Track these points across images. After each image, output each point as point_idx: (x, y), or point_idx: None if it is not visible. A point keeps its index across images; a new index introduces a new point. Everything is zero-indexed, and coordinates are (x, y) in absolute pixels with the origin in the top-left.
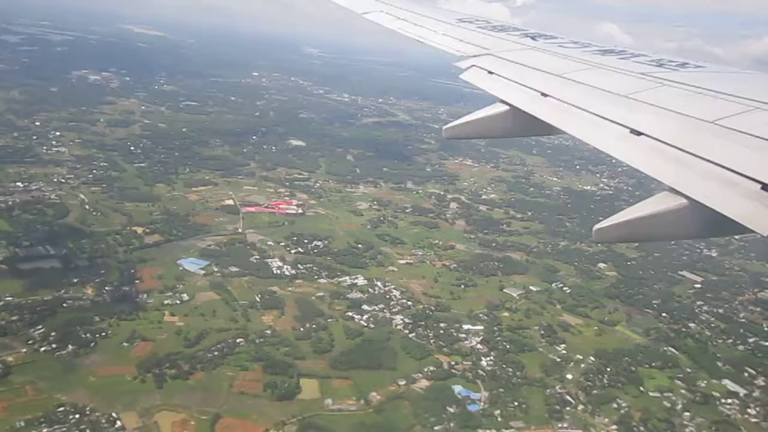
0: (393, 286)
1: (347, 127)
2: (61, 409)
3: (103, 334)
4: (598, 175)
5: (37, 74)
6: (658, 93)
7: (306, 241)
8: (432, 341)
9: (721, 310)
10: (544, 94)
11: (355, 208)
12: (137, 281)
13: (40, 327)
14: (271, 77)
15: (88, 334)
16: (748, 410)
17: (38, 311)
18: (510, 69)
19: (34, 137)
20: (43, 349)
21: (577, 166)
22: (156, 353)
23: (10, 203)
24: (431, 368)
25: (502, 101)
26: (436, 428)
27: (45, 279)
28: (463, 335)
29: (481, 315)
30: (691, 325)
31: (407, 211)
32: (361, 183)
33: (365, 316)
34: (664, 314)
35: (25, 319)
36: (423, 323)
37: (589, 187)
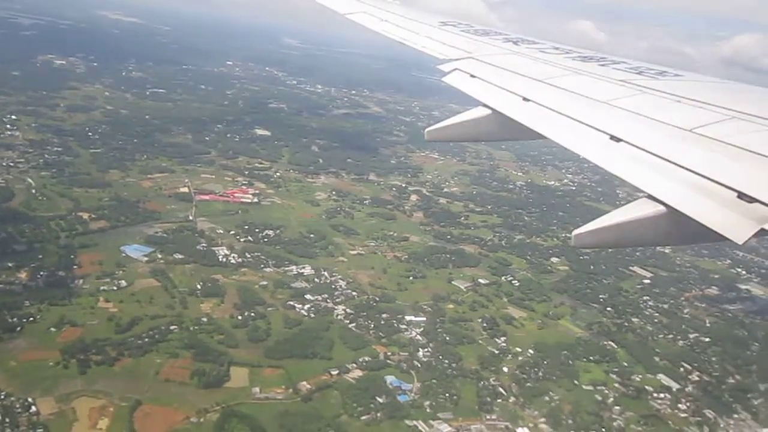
0: (340, 277)
1: (316, 118)
2: None
3: (31, 318)
4: (563, 171)
5: (1, 59)
6: (637, 100)
7: (257, 230)
8: (372, 332)
9: (666, 306)
10: (525, 99)
11: (313, 198)
12: (75, 267)
13: None
14: (245, 67)
15: (15, 319)
16: (679, 405)
17: None
18: (492, 73)
19: None
20: None
21: (544, 162)
22: (83, 339)
23: None
24: (366, 358)
25: (485, 105)
26: (362, 418)
27: None
28: (404, 326)
29: (425, 307)
30: (635, 319)
31: (366, 202)
32: (323, 173)
33: (307, 306)
34: (609, 309)
35: None
36: (365, 314)
37: (552, 183)
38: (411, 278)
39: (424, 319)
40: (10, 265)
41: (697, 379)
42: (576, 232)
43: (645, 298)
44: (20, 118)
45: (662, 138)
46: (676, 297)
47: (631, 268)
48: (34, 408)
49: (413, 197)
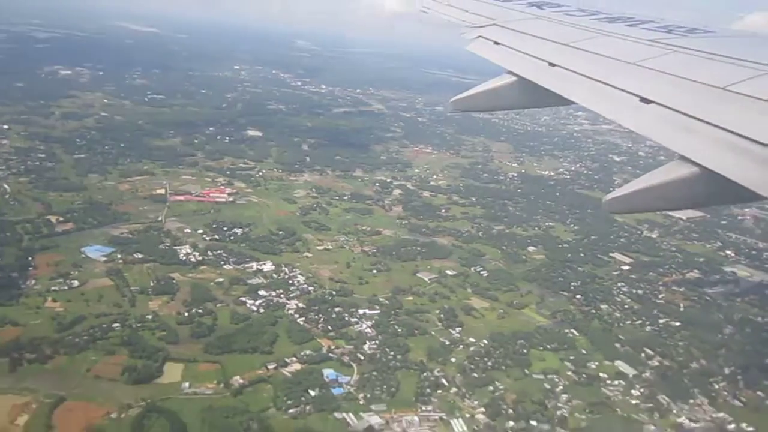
0: (299, 272)
1: (313, 118)
2: None
3: None
4: (561, 160)
5: (8, 70)
6: (667, 60)
7: (225, 228)
8: (320, 326)
9: (640, 291)
10: (551, 64)
11: (291, 195)
12: (31, 268)
13: None
14: (252, 70)
15: None
16: (632, 391)
17: None
18: (516, 39)
19: None
20: None
21: (542, 152)
22: (20, 338)
23: None
24: (308, 352)
25: (509, 72)
26: (289, 411)
27: None
28: (355, 320)
29: (382, 300)
30: (603, 306)
31: (345, 198)
32: (307, 171)
33: (258, 302)
34: (578, 296)
35: None
36: (316, 308)
37: (546, 172)
38: (374, 272)
39: (378, 311)
40: None
41: (656, 364)
42: (607, 197)
43: (620, 284)
44: (11, 126)
45: (694, 97)
46: (654, 282)
47: (611, 254)
48: None
49: (396, 192)
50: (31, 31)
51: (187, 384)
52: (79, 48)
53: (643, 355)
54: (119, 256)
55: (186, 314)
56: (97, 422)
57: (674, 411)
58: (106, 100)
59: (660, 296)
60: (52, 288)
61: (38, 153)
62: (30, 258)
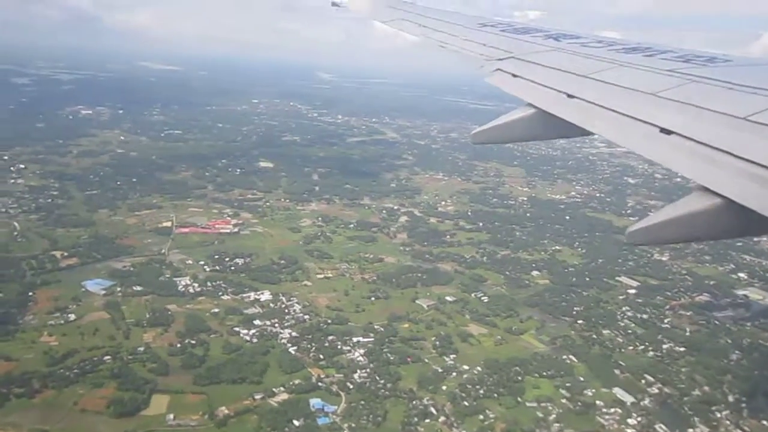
0: (296, 301)
1: (327, 148)
2: None
3: None
4: (574, 183)
5: (30, 112)
6: (686, 90)
7: (227, 259)
8: (311, 354)
9: (645, 316)
10: (570, 95)
11: (296, 225)
12: (30, 303)
13: None
14: (270, 103)
15: None
16: (628, 420)
17: None
18: (534, 71)
19: None
20: None
21: (555, 176)
22: (11, 373)
23: None
24: (297, 381)
25: (529, 104)
26: None
27: None
28: (348, 348)
29: (377, 327)
30: (605, 332)
31: (351, 226)
32: (315, 200)
33: (252, 331)
34: (580, 321)
35: None
36: (309, 336)
37: (558, 196)
38: (372, 299)
39: (372, 339)
40: None
41: (656, 392)
42: (630, 229)
43: (625, 308)
44: (27, 166)
45: (715, 127)
46: (660, 306)
47: (617, 278)
48: None
49: (402, 219)
50: (57, 73)
51: (171, 416)
52: (101, 88)
53: (643, 381)
54: (119, 289)
55: (178, 345)
56: None
57: None
58: (122, 137)
59: (666, 321)
60: (49, 322)
61: (51, 191)
62: (31, 293)
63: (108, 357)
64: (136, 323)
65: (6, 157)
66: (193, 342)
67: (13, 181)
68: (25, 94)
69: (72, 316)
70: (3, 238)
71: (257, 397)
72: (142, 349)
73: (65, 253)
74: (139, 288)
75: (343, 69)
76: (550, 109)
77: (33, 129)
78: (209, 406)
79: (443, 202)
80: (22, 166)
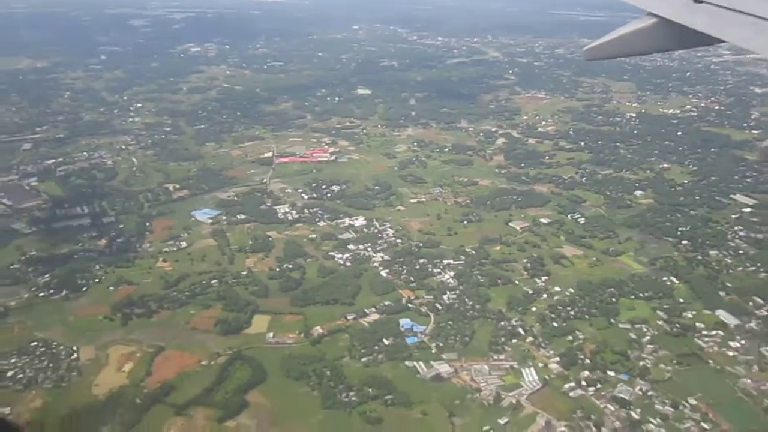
0: (389, 225)
1: (425, 71)
2: (34, 343)
3: (97, 280)
4: (690, 96)
5: (146, 52)
6: None
7: (324, 186)
8: (403, 277)
9: (760, 236)
10: (696, 0)
11: (392, 151)
12: (148, 233)
13: (47, 276)
14: (370, 29)
15: (83, 281)
16: (730, 342)
17: (51, 262)
18: None
19: (116, 110)
20: (42, 294)
21: (670, 88)
22: (132, 296)
23: (69, 170)
24: (388, 303)
25: (649, 13)
26: (362, 360)
27: (70, 235)
28: (438, 270)
29: (468, 250)
30: (712, 252)
31: (446, 150)
32: (411, 125)
33: (346, 255)
34: (684, 242)
35: (39, 270)
36: (401, 260)
37: (670, 111)
38: (465, 222)
39: (462, 262)
40: (94, 234)
41: (765, 314)
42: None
43: (737, 228)
44: (144, 104)
45: None
46: None
47: (732, 196)
48: (75, 355)
49: (499, 141)
50: (170, 13)
51: (271, 334)
52: (210, 25)
53: (751, 304)
54: (224, 218)
55: (277, 269)
56: (190, 369)
57: None
58: (228, 72)
59: None
60: (164, 250)
61: (164, 127)
62: (148, 223)
63: (215, 281)
64: (239, 249)
65: (125, 98)
66: (291, 266)
67: (131, 119)
68: (141, 35)
69: (183, 244)
70: (124, 174)
71: (349, 317)
72: (244, 273)
73: (177, 186)
74: (242, 216)
75: None
76: (674, 18)
77: (148, 69)
78: (305, 325)
79: (543, 122)
80: (139, 104)
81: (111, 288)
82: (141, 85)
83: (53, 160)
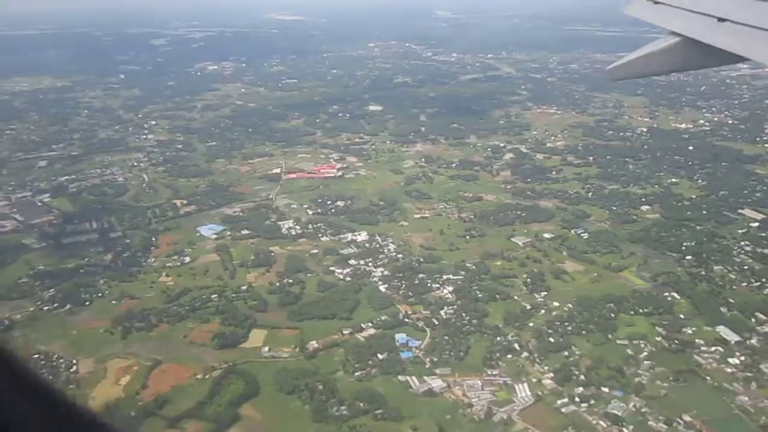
0: (391, 241)
1: (437, 87)
2: (35, 356)
3: (100, 294)
4: (704, 111)
5: (164, 71)
6: None
7: (329, 202)
8: (401, 292)
9: (767, 251)
10: (721, 19)
11: (399, 166)
12: (153, 248)
13: (52, 290)
14: (386, 46)
15: (86, 295)
16: (729, 359)
17: (57, 276)
18: None
19: (130, 128)
20: (46, 308)
21: (683, 103)
22: (133, 309)
23: (81, 187)
24: (385, 318)
25: (672, 32)
26: (356, 374)
27: (77, 250)
28: (437, 285)
29: (469, 265)
30: (717, 268)
31: (453, 165)
32: (420, 141)
33: (347, 270)
34: (689, 257)
35: (45, 284)
36: (401, 275)
37: (683, 125)
38: (467, 238)
39: (462, 277)
40: (100, 249)
41: (767, 330)
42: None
43: (743, 243)
44: (158, 122)
45: None
46: None
47: (740, 211)
48: (75, 368)
49: (507, 156)
50: (190, 32)
51: (266, 348)
52: (228, 43)
53: (753, 320)
54: (228, 233)
55: (277, 284)
56: (185, 382)
57: None
58: (243, 90)
59: None
60: (168, 264)
61: (176, 144)
62: (153, 239)
63: (215, 295)
64: (241, 264)
65: (140, 115)
66: (291, 281)
67: (144, 136)
68: (161, 54)
69: (187, 259)
70: (134, 190)
71: (345, 332)
72: (245, 287)
73: (185, 201)
74: (246, 232)
75: (464, 4)
76: (697, 37)
77: (164, 87)
78: (301, 340)
79: (553, 137)
80: (153, 122)
81: (114, 302)
82: (157, 103)
83: (66, 177)
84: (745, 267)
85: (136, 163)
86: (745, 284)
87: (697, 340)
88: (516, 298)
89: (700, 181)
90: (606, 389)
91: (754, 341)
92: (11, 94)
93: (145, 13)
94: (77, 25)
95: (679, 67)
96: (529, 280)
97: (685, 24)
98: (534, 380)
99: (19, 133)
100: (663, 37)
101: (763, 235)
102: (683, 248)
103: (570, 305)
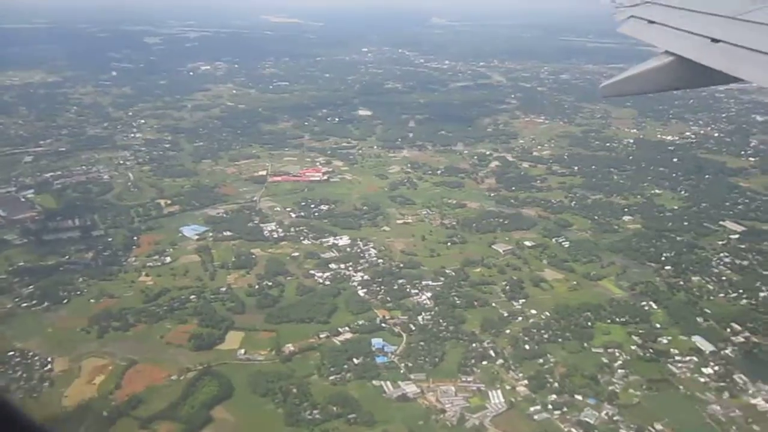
0: (372, 246)
1: (427, 94)
2: (11, 353)
3: (78, 292)
4: (690, 123)
5: (156, 70)
6: None
7: (313, 205)
8: (380, 297)
9: (745, 262)
10: (714, 40)
11: (384, 172)
12: (134, 247)
13: (30, 287)
14: (379, 51)
15: (65, 293)
16: (703, 369)
17: (37, 273)
18: (673, 15)
19: (119, 126)
20: (24, 305)
21: (671, 115)
22: (111, 309)
23: (66, 183)
24: (362, 322)
25: (667, 52)
26: (330, 378)
27: (59, 247)
28: (416, 291)
29: (448, 272)
30: (695, 278)
31: (438, 172)
32: (407, 147)
33: (327, 274)
34: (667, 267)
35: (24, 281)
36: (380, 280)
37: (669, 137)
38: (448, 244)
39: (441, 283)
40: (82, 247)
41: (742, 341)
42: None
43: (722, 254)
44: (147, 121)
45: None
46: (766, 252)
47: (721, 222)
48: (50, 366)
49: (493, 164)
50: (185, 32)
51: (242, 350)
52: (222, 44)
53: (728, 330)
54: (210, 234)
55: (257, 286)
56: (159, 383)
57: (750, 391)
58: (234, 91)
59: None
60: (148, 264)
61: (164, 143)
62: (135, 238)
63: (194, 296)
64: (222, 265)
65: (130, 113)
66: (270, 284)
67: (133, 135)
68: (154, 52)
69: (168, 259)
70: (118, 188)
71: (322, 336)
72: (224, 289)
73: (169, 201)
74: (228, 233)
75: (459, 11)
76: (691, 56)
77: (156, 86)
78: (277, 343)
79: (539, 146)
80: (142, 121)
81: (92, 300)
82: (147, 102)
83: (52, 173)
84: (723, 278)
85: (122, 162)
86: (722, 295)
87: (672, 350)
88: (494, 305)
89: (683, 192)
90: (579, 397)
91: (728, 351)
92: (1, 87)
93: (141, 11)
94: (72, 20)
95: (671, 86)
96: (507, 287)
97: (680, 44)
98: (508, 387)
99: (7, 128)
100: (657, 56)
101: (743, 246)
102: (662, 258)
103: (547, 313)
